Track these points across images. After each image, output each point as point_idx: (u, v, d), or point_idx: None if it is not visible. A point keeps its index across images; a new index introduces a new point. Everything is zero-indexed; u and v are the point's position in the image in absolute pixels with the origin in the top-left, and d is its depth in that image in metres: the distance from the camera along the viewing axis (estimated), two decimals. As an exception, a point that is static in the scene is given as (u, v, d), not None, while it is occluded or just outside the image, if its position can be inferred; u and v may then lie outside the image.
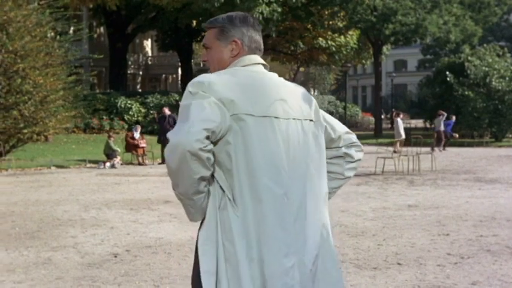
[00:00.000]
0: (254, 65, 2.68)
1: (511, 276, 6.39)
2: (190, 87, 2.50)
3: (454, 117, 29.85)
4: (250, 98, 2.53)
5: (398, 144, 25.12)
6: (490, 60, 34.90)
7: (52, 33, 22.91)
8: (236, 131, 2.47)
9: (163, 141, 21.86)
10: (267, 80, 2.63)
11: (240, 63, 2.67)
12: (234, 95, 2.49)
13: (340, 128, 2.88)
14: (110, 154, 20.79)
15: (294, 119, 2.61)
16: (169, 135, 2.40)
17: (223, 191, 2.48)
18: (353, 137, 2.92)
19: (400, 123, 26.87)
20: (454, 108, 33.41)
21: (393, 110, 56.47)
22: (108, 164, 20.64)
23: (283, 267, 2.50)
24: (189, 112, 2.42)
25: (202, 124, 2.38)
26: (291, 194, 2.54)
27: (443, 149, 27.35)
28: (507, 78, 33.98)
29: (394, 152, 23.45)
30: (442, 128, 28.24)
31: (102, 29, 45.25)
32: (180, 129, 2.39)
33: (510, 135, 35.60)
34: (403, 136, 26.17)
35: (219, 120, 2.41)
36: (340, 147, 2.86)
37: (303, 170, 2.59)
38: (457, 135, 29.69)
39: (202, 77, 2.53)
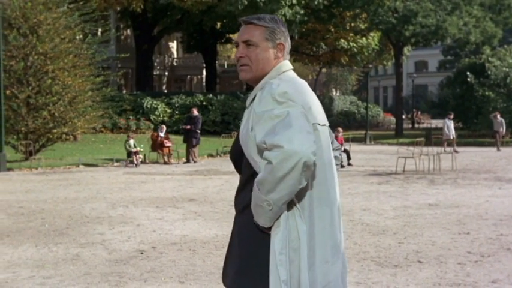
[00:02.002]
0: (291, 71, 2.76)
1: None
2: (277, 96, 2.50)
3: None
4: (315, 106, 2.63)
5: (446, 144, 25.76)
6: (511, 61, 35.03)
7: (80, 36, 23.46)
8: None
9: (188, 141, 22.43)
10: (308, 87, 2.71)
11: (282, 68, 2.71)
12: (310, 103, 2.60)
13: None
14: (129, 153, 21.31)
15: (327, 125, 2.75)
16: (282, 142, 2.37)
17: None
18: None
19: (448, 123, 27.06)
20: (474, 109, 33.59)
21: (414, 110, 56.38)
22: (123, 162, 21.20)
23: (340, 268, 2.69)
24: (291, 121, 2.43)
25: (311, 136, 2.43)
26: (338, 198, 2.72)
27: (498, 149, 27.45)
28: (528, 79, 34.20)
29: (444, 151, 24.02)
30: (500, 128, 28.33)
31: (129, 31, 45.86)
32: (293, 138, 2.39)
33: (531, 136, 35.61)
34: (451, 136, 26.51)
35: (313, 132, 2.52)
36: (332, 149, 2.90)
37: (335, 174, 2.75)
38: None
39: (284, 87, 2.55)
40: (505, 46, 39.49)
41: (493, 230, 8.86)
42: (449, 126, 26.89)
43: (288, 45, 2.75)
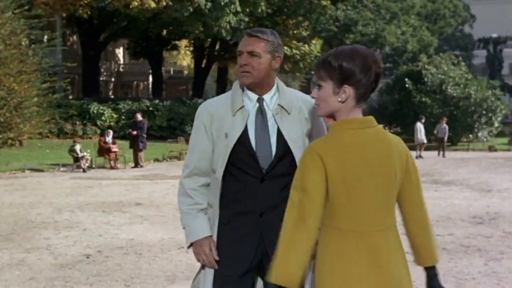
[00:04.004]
0: None
1: (465, 273, 6.72)
2: None
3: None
4: None
5: (418, 148, 26.57)
6: (446, 68, 36.45)
7: (26, 41, 23.50)
8: None
9: (134, 145, 22.85)
10: None
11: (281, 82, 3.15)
12: None
13: None
14: (76, 158, 21.50)
15: None
16: None
17: None
18: None
19: (420, 127, 27.63)
20: (412, 114, 34.77)
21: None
22: (69, 167, 21.50)
23: None
24: None
25: None
26: None
27: (443, 155, 28.07)
28: (462, 86, 35.62)
29: (419, 156, 24.51)
30: (442, 135, 28.97)
31: (75, 37, 45.69)
32: None
33: (465, 140, 36.86)
34: (424, 141, 27.20)
35: None
36: None
37: None
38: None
39: None
40: (441, 54, 40.99)
41: (429, 230, 9.40)
42: (422, 130, 27.73)
43: (282, 57, 3.14)
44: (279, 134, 3.05)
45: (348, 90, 2.58)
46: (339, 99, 2.59)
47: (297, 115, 3.10)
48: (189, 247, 3.17)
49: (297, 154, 2.97)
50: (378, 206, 2.57)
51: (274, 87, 3.13)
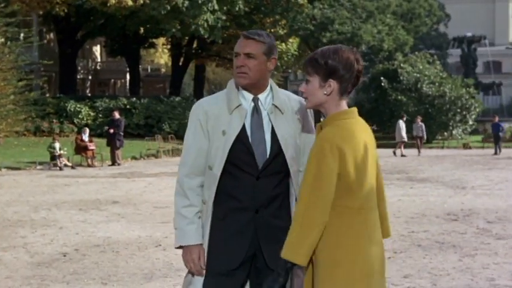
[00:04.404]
0: None
1: (440, 269, 6.81)
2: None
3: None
4: None
5: (398, 146, 26.59)
6: (421, 67, 36.62)
7: (2, 39, 23.37)
8: None
9: (111, 143, 22.82)
10: None
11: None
12: None
13: None
14: (53, 156, 21.44)
15: None
16: None
17: None
18: None
19: (402, 125, 27.71)
20: (388, 112, 35.01)
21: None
22: (46, 165, 21.40)
23: None
24: None
25: None
26: None
27: (418, 153, 28.26)
28: (436, 84, 35.81)
29: (394, 153, 24.57)
30: (419, 133, 29.11)
31: (52, 35, 45.38)
32: None
33: (440, 137, 37.04)
34: (405, 139, 27.29)
35: None
36: None
37: None
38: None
39: None
40: (416, 53, 41.06)
41: (404, 227, 9.32)
42: (404, 128, 27.82)
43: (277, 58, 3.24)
44: (273, 133, 3.14)
45: (333, 84, 2.92)
46: (325, 92, 2.93)
47: (290, 115, 3.20)
48: (177, 248, 3.22)
49: (289, 153, 3.12)
50: (373, 182, 2.96)
51: (268, 87, 3.22)
